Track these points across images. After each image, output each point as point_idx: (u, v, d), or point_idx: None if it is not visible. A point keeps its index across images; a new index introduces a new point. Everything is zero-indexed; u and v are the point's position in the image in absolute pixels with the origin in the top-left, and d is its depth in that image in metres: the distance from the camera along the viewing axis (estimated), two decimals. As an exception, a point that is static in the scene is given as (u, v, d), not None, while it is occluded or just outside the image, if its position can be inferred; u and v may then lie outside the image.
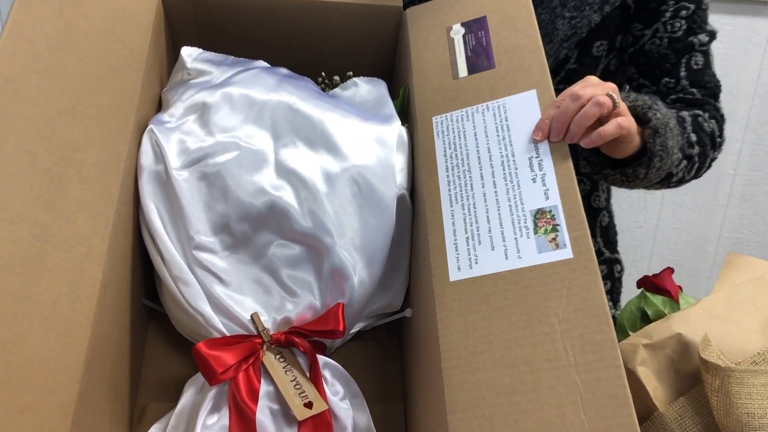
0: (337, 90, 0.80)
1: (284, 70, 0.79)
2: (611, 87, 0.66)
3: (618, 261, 1.04)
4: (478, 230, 0.62)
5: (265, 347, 0.66)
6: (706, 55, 0.87)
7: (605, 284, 1.03)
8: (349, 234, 0.67)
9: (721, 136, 0.86)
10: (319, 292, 0.68)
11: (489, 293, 0.59)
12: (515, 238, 0.61)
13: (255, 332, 0.66)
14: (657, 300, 0.75)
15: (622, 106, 0.66)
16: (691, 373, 0.67)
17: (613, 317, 0.75)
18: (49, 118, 0.58)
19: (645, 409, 0.67)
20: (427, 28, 0.79)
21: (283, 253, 0.68)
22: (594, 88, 0.65)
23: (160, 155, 0.69)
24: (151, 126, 0.71)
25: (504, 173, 0.65)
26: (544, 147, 0.65)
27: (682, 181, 0.84)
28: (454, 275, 0.61)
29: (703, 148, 0.82)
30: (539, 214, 0.61)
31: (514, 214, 0.62)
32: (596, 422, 0.50)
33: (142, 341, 0.74)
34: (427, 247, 0.64)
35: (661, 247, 1.68)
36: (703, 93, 0.86)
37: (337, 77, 0.84)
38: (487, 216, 0.63)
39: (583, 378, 0.52)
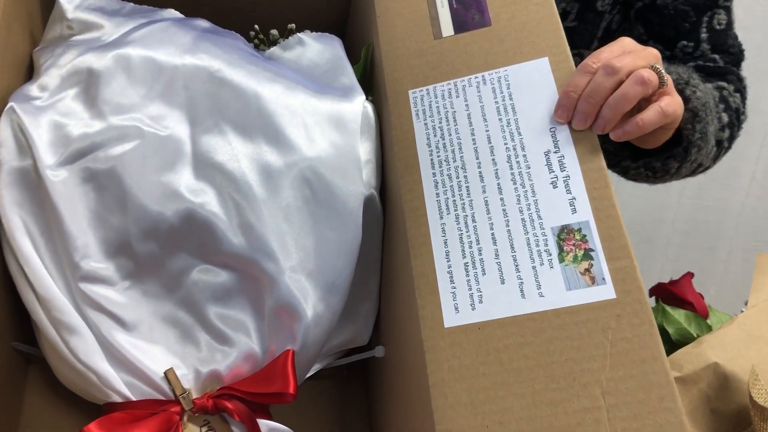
0: (276, 50, 0.60)
1: (204, 23, 0.58)
2: (654, 55, 0.50)
3: None
4: (480, 254, 0.45)
5: (185, 417, 0.48)
6: (729, 12, 0.71)
7: None
8: (300, 254, 0.49)
9: (744, 112, 0.71)
10: (260, 337, 0.50)
11: (501, 348, 0.42)
12: (533, 267, 0.44)
13: (171, 396, 0.48)
14: (679, 315, 0.61)
15: (670, 83, 0.50)
16: (733, 414, 0.54)
17: None
18: None
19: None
20: (396, -31, 0.60)
21: (208, 283, 0.50)
22: (634, 57, 0.48)
23: (25, 146, 0.49)
24: (12, 104, 0.50)
25: (512, 173, 0.47)
26: (565, 137, 0.48)
27: (704, 171, 0.69)
28: (450, 319, 0.44)
29: (732, 131, 0.67)
30: (565, 234, 0.44)
31: (530, 232, 0.45)
32: None
33: (18, 394, 0.55)
34: (409, 276, 0.47)
35: (682, 252, 1.54)
36: (726, 60, 0.70)
37: (275, 31, 0.64)
38: (492, 234, 0.46)
39: (645, 480, 0.37)
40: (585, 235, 0.44)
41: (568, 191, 0.46)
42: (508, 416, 0.40)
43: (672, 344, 0.58)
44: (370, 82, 0.60)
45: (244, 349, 0.49)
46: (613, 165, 0.65)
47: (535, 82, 0.50)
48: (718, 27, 0.69)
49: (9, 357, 0.52)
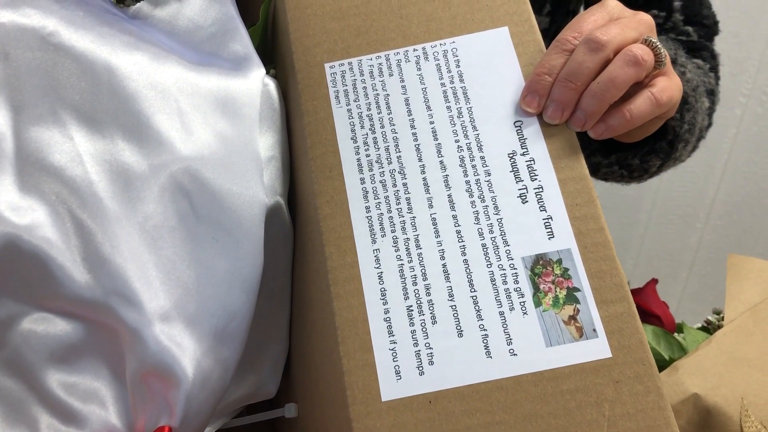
0: (143, 6, 0.44)
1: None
2: (647, 23, 0.38)
3: None
4: (429, 294, 0.33)
5: None
6: None
7: None
8: (174, 294, 0.35)
9: (718, 94, 0.62)
10: (120, 408, 0.36)
11: (462, 429, 0.31)
12: (501, 314, 0.32)
13: (-10, 503, 0.33)
14: (646, 333, 0.52)
15: (668, 61, 0.39)
16: None
17: None
18: None
19: None
20: None
21: (44, 337, 0.35)
22: (623, 27, 0.36)
23: None
24: None
25: (467, 180, 0.35)
26: (535, 130, 0.36)
27: (679, 161, 0.59)
28: (389, 388, 0.32)
29: (710, 118, 0.58)
30: (540, 267, 0.33)
31: (494, 263, 0.33)
32: None
33: None
34: (331, 323, 0.34)
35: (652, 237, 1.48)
36: (700, 33, 0.60)
37: (144, -19, 0.48)
38: (444, 266, 0.34)
39: None
40: (567, 269, 0.33)
41: (542, 208, 0.34)
42: None
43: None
44: (272, 50, 0.46)
45: (99, 428, 0.35)
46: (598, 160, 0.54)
47: (492, 59, 0.38)
48: None
49: None
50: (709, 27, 0.61)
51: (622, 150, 0.51)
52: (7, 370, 0.35)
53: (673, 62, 0.47)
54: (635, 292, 0.54)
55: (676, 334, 0.53)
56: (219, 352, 0.37)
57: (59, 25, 0.37)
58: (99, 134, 0.36)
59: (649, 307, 0.52)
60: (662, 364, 0.50)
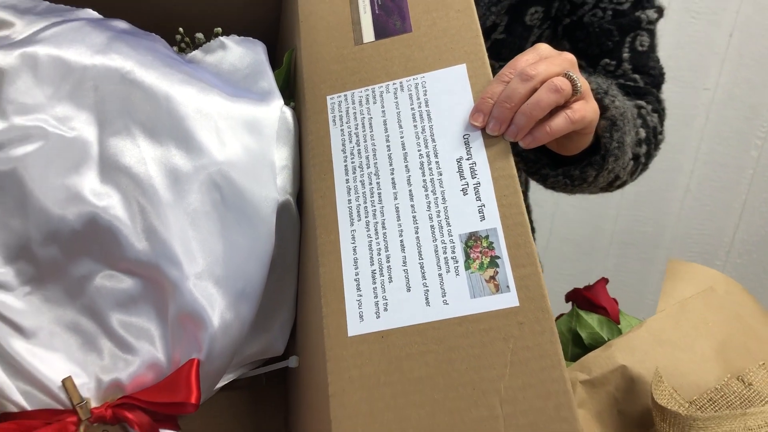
0: (197, 53, 0.59)
1: (122, 24, 0.57)
2: (569, 61, 0.50)
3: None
4: (388, 261, 0.45)
5: (82, 428, 0.46)
6: (653, 35, 0.72)
7: None
8: (207, 261, 0.48)
9: (662, 132, 0.72)
10: (164, 344, 0.48)
11: (404, 356, 0.41)
12: (440, 275, 0.43)
13: (69, 405, 0.46)
14: (592, 320, 0.61)
15: (584, 88, 0.50)
16: (638, 415, 0.55)
17: None
18: None
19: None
20: (321, -25, 0.59)
21: (111, 290, 0.48)
22: (548, 64, 0.48)
23: None
24: None
25: (424, 179, 0.47)
26: (478, 144, 0.47)
27: (621, 186, 0.70)
28: (354, 327, 0.43)
29: (649, 148, 0.68)
30: (472, 241, 0.44)
31: (438, 239, 0.45)
32: None
33: None
34: (316, 282, 0.46)
35: (560, 225, 1.58)
36: (647, 81, 0.71)
37: (200, 35, 0.63)
38: (401, 241, 0.45)
39: (538, 490, 0.36)
40: (492, 243, 0.43)
41: (478, 198, 0.45)
42: (406, 426, 0.39)
43: (584, 348, 0.58)
44: (293, 88, 0.59)
45: (147, 358, 0.48)
46: (532, 173, 0.65)
47: (452, 89, 0.50)
48: (640, 48, 0.70)
49: None
50: (654, 77, 0.71)
51: (566, 164, 0.61)
52: (84, 313, 0.48)
53: (605, 93, 0.57)
54: (587, 289, 0.63)
55: (620, 325, 0.62)
56: (238, 308, 0.49)
57: (134, 66, 0.51)
58: (158, 143, 0.49)
59: (598, 300, 0.61)
60: (603, 344, 0.58)
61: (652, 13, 0.69)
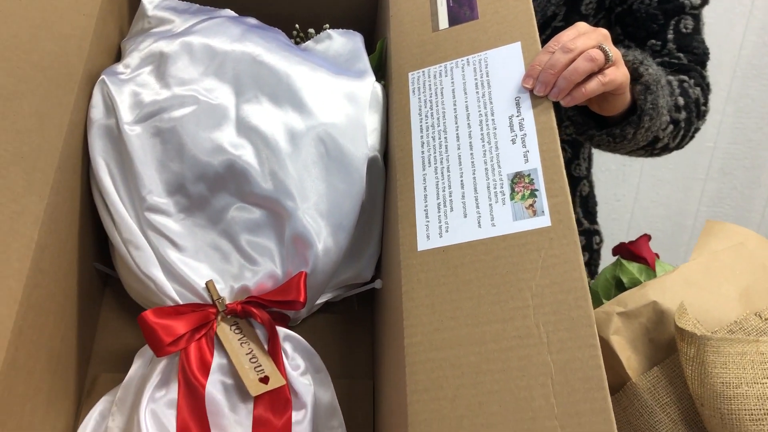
0: (309, 43, 0.74)
1: (252, 20, 0.73)
2: (603, 35, 0.60)
3: (597, 232, 0.99)
4: (450, 196, 0.57)
5: (219, 317, 0.61)
6: (697, 20, 0.80)
7: (583, 255, 0.97)
8: (314, 198, 0.62)
9: (706, 104, 0.80)
10: (281, 260, 0.63)
11: (458, 264, 0.54)
12: (490, 205, 0.55)
13: (209, 301, 0.61)
14: (633, 267, 0.70)
15: (616, 57, 0.60)
16: (666, 343, 0.64)
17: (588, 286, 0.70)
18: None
19: (618, 380, 0.63)
20: (409, -22, 0.73)
21: (243, 218, 0.63)
22: (586, 39, 0.59)
23: (111, 108, 0.64)
24: (103, 77, 0.65)
25: (482, 133, 0.59)
26: (527, 105, 0.59)
27: (666, 149, 0.78)
28: (422, 244, 0.56)
29: (689, 115, 0.76)
30: (517, 179, 0.56)
31: (491, 178, 0.57)
32: (566, 407, 0.45)
33: (95, 308, 0.70)
34: (396, 212, 0.59)
35: (640, 220, 1.63)
36: (690, 59, 0.79)
37: (312, 30, 0.78)
38: (461, 180, 0.57)
39: (555, 358, 0.47)
40: (533, 179, 0.55)
41: (524, 146, 0.57)
42: (458, 314, 0.51)
43: (624, 290, 0.67)
44: (383, 68, 0.73)
45: (268, 270, 0.62)
46: (581, 133, 0.75)
47: (508, 62, 0.62)
48: (684, 30, 0.79)
49: (91, 276, 0.68)
50: (698, 55, 0.80)
51: (608, 126, 0.71)
52: (222, 235, 0.64)
53: (641, 63, 0.67)
54: (631, 243, 0.71)
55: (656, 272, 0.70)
56: (336, 236, 0.63)
57: (262, 51, 0.66)
58: (279, 108, 0.64)
59: (640, 252, 0.70)
60: (639, 285, 0.67)
61: (695, 0, 0.78)
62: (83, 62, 0.64)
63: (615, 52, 0.60)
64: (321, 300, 0.67)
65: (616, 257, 0.72)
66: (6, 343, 0.49)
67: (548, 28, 0.81)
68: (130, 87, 0.65)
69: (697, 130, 0.80)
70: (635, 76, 0.66)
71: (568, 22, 0.81)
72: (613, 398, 0.63)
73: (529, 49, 0.62)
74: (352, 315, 0.72)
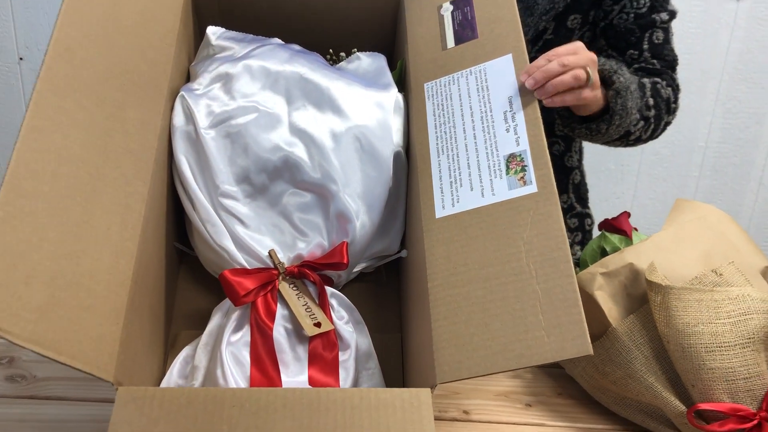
0: (342, 64, 0.91)
1: (296, 47, 0.90)
2: (592, 60, 0.77)
3: (589, 215, 1.15)
4: (459, 175, 0.73)
5: (280, 278, 0.77)
6: (666, 31, 0.97)
7: (577, 236, 1.14)
8: (352, 184, 0.79)
9: (675, 102, 0.97)
10: (327, 233, 0.79)
11: (467, 225, 0.69)
12: (490, 180, 0.71)
13: (272, 266, 0.77)
14: (614, 238, 0.85)
15: (595, 81, 0.77)
16: (640, 296, 0.78)
17: (578, 258, 0.86)
18: (99, 81, 0.70)
19: (601, 327, 0.77)
20: (421, 7, 0.90)
21: (296, 200, 0.80)
22: (577, 59, 0.76)
23: (190, 117, 0.81)
24: (182, 92, 0.83)
25: (483, 126, 0.75)
26: (517, 103, 0.75)
27: (639, 140, 0.95)
28: (439, 213, 0.72)
29: (659, 112, 0.93)
30: (511, 158, 0.72)
31: (491, 159, 0.73)
32: (551, 320, 0.61)
33: (174, 279, 0.86)
34: (417, 192, 0.75)
35: (639, 216, 1.78)
36: (662, 64, 0.96)
37: (343, 53, 0.95)
38: (468, 162, 0.74)
39: (542, 287, 0.63)
40: (523, 158, 0.71)
41: (516, 133, 0.73)
42: (468, 261, 0.67)
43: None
44: (403, 82, 0.90)
45: (316, 241, 0.79)
46: (566, 125, 0.92)
47: (502, 70, 0.78)
48: (656, 41, 0.95)
49: (171, 253, 0.84)
50: (669, 61, 0.96)
51: (587, 121, 0.88)
52: (279, 215, 0.80)
53: (615, 72, 0.83)
54: (614, 219, 0.86)
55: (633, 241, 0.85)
56: (370, 214, 0.79)
57: (307, 70, 0.83)
58: (322, 114, 0.81)
59: (620, 225, 0.85)
60: (620, 252, 0.82)
61: (664, 15, 0.95)
62: (167, 81, 0.81)
63: (595, 77, 0.77)
64: (357, 268, 0.83)
65: (601, 231, 0.87)
66: (128, 288, 0.65)
67: (540, 40, 0.98)
68: (204, 100, 0.82)
69: (667, 123, 0.96)
70: (609, 83, 0.83)
71: (556, 35, 0.97)
72: (598, 342, 0.78)
73: (518, 60, 0.78)
74: (382, 283, 0.88)
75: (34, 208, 0.58)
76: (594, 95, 0.78)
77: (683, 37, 1.69)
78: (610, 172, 1.81)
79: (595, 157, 1.77)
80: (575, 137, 0.94)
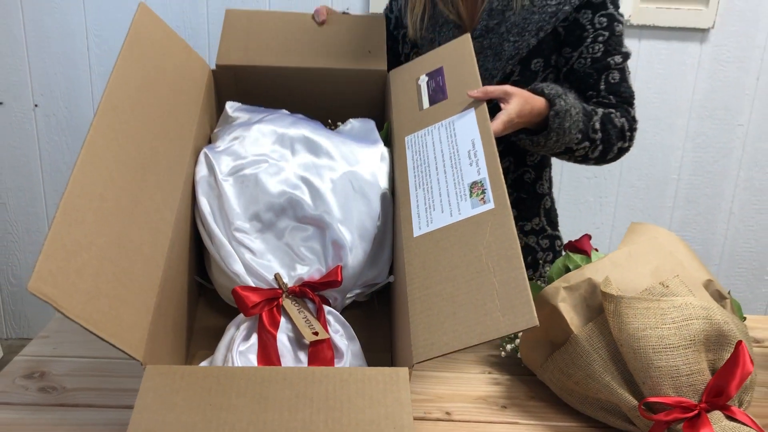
0: (342, 127, 1.09)
1: (300, 115, 1.08)
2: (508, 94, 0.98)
3: (558, 237, 1.29)
4: (432, 202, 0.88)
5: (284, 295, 0.90)
6: (622, 71, 1.14)
7: (548, 254, 1.28)
8: (345, 217, 0.93)
9: (630, 131, 1.12)
10: (324, 259, 0.93)
11: (439, 239, 0.83)
12: (457, 202, 0.86)
13: (277, 286, 0.91)
14: (577, 257, 0.97)
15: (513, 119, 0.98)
16: (598, 306, 0.88)
17: (544, 275, 0.98)
18: (138, 132, 0.87)
19: (564, 334, 0.88)
20: (403, 81, 1.09)
21: (298, 233, 0.94)
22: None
23: (212, 168, 0.98)
24: (205, 150, 1.00)
25: (452, 163, 0.91)
26: (479, 144, 0.91)
27: (587, 159, 1.10)
28: (417, 233, 0.86)
29: (608, 136, 1.09)
30: (474, 185, 0.86)
31: (458, 187, 0.87)
32: (505, 303, 0.73)
33: (194, 309, 0.99)
34: (399, 220, 0.90)
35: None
36: (618, 100, 1.13)
37: (339, 123, 1.13)
38: (439, 191, 0.89)
39: (498, 279, 0.75)
40: (483, 184, 0.86)
41: (477, 166, 0.88)
42: (439, 266, 0.80)
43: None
44: (389, 139, 1.07)
45: (316, 266, 0.92)
46: (514, 135, 1.08)
47: (466, 122, 0.95)
48: (612, 81, 1.12)
49: (191, 284, 0.98)
50: (624, 97, 1.13)
51: (533, 134, 1.04)
52: (285, 246, 0.94)
53: (559, 96, 1.01)
54: (577, 241, 0.99)
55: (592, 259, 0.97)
56: (361, 242, 0.93)
57: (309, 132, 1.00)
58: (319, 162, 0.97)
59: (582, 247, 0.97)
60: (583, 272, 0.94)
61: (618, 58, 1.12)
62: (192, 140, 0.98)
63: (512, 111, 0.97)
64: (351, 295, 0.96)
65: (566, 251, 1.00)
66: (156, 291, 0.79)
67: (508, 82, 1.15)
68: (223, 155, 0.99)
69: (622, 149, 1.12)
70: (552, 104, 1.00)
71: (522, 77, 1.15)
72: (562, 347, 0.88)
73: (479, 114, 0.95)
74: (374, 310, 1.00)
75: (85, 218, 0.73)
76: (510, 127, 0.98)
77: (653, 78, 1.88)
78: (589, 204, 1.95)
79: (577, 190, 1.93)
80: (522, 146, 1.10)
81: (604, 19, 1.11)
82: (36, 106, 2.06)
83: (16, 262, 2.27)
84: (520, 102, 0.98)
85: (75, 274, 0.69)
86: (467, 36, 1.06)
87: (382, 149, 1.01)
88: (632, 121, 1.13)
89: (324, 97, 1.17)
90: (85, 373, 0.91)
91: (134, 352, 0.72)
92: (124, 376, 0.91)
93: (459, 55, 1.04)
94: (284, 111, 1.10)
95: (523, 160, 1.22)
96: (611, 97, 1.13)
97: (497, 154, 0.88)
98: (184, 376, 0.71)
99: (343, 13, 1.27)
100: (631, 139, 1.13)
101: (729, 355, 0.79)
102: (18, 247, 2.26)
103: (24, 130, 2.08)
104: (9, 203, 2.16)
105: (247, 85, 1.16)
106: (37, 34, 2.01)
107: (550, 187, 1.29)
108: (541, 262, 1.27)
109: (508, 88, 0.99)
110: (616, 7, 1.13)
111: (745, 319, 0.93)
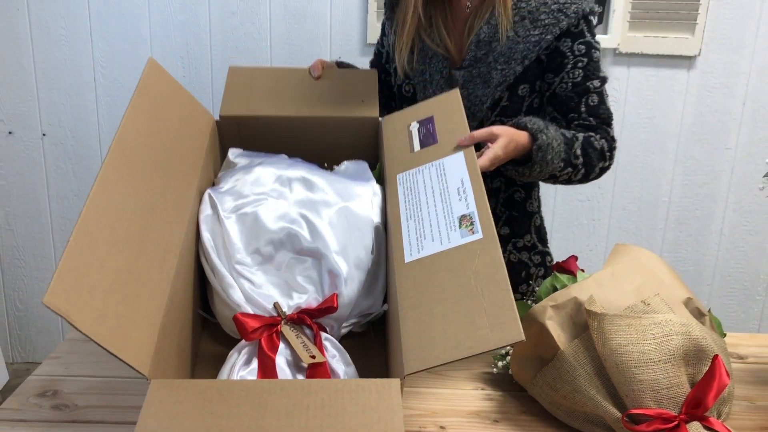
0: (337, 169, 1.16)
1: (298, 159, 1.15)
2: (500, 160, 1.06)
3: (548, 253, 1.36)
4: (423, 231, 0.94)
5: (283, 322, 0.94)
6: (601, 94, 1.22)
7: (540, 270, 1.34)
8: (340, 247, 0.99)
9: (610, 150, 1.20)
10: (320, 288, 0.97)
11: (430, 264, 0.88)
12: (447, 233, 0.91)
13: (276, 314, 0.95)
14: (564, 278, 1.02)
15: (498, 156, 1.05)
16: (583, 323, 0.93)
17: (534, 292, 1.03)
18: (146, 171, 0.93)
19: (552, 350, 0.92)
20: (395, 128, 1.16)
21: (296, 265, 0.99)
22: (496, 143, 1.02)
23: (215, 206, 1.03)
24: (209, 191, 1.06)
25: (442, 198, 0.97)
26: (467, 182, 0.97)
27: (570, 181, 1.18)
28: (408, 259, 0.91)
29: (589, 159, 1.16)
30: (462, 218, 0.92)
31: (447, 219, 0.93)
32: (494, 321, 0.77)
33: (197, 343, 1.02)
34: (392, 249, 0.95)
35: None
36: (597, 121, 1.20)
37: (335, 165, 1.20)
38: (430, 223, 0.94)
39: (486, 301, 0.80)
40: (471, 216, 0.91)
41: (466, 200, 0.94)
42: (430, 288, 0.85)
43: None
44: (381, 179, 1.13)
45: (313, 294, 0.97)
46: (502, 166, 1.13)
47: (455, 161, 1.01)
48: (591, 104, 1.20)
49: (194, 318, 1.02)
50: (604, 119, 1.21)
51: (517, 165, 1.11)
52: (284, 276, 0.98)
53: (541, 131, 1.09)
54: (564, 262, 1.04)
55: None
56: (355, 273, 0.98)
57: (306, 173, 1.07)
58: (316, 198, 1.03)
59: (569, 267, 1.02)
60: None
61: (596, 82, 1.20)
62: (197, 181, 1.05)
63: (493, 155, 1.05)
64: (347, 324, 1.00)
65: (553, 272, 1.04)
66: (162, 313, 0.83)
67: (497, 107, 1.22)
68: (226, 195, 1.05)
69: (603, 169, 1.20)
70: (534, 138, 1.08)
71: (510, 102, 1.22)
72: (550, 363, 0.92)
73: (467, 156, 1.02)
74: (370, 340, 1.04)
75: (97, 244, 0.78)
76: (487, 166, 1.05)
77: (643, 104, 1.96)
78: (582, 226, 1.99)
79: (571, 212, 1.98)
80: (509, 175, 1.17)
81: (583, 47, 1.20)
82: (44, 135, 2.13)
83: (23, 287, 2.30)
84: (505, 140, 1.05)
85: (87, 292, 0.74)
86: (456, 90, 1.14)
87: (374, 186, 1.07)
88: (611, 141, 1.21)
89: (320, 143, 1.24)
90: (96, 392, 0.95)
91: (140, 368, 0.75)
92: (132, 393, 0.94)
93: (449, 107, 1.12)
94: (283, 155, 1.17)
95: (513, 180, 1.29)
96: (591, 118, 1.21)
97: (485, 191, 0.95)
98: (186, 389, 0.74)
99: (338, 60, 1.37)
100: (611, 158, 1.21)
101: (707, 368, 0.83)
102: (25, 273, 2.28)
103: (32, 158, 2.15)
104: (17, 229, 2.21)
105: (249, 133, 1.23)
106: (46, 66, 2.11)
107: (539, 206, 1.36)
108: (534, 276, 1.34)
109: (493, 129, 1.07)
110: (593, 35, 1.22)
111: (725, 335, 0.98)
